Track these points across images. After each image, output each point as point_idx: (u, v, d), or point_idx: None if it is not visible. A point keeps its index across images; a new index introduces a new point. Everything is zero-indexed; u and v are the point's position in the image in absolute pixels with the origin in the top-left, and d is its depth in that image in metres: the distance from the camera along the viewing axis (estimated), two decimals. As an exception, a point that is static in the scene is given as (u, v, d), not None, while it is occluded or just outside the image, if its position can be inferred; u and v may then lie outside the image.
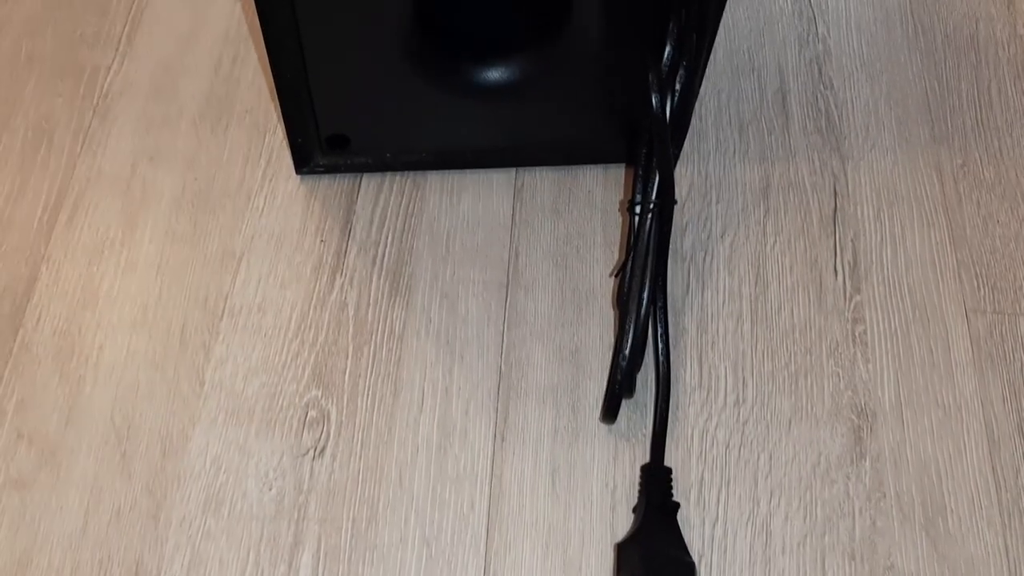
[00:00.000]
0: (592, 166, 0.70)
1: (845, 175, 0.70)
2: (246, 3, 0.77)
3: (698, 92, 0.60)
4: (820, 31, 0.78)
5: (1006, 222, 0.68)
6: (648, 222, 0.56)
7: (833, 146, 0.72)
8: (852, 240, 0.67)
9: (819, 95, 0.74)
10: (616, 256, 0.66)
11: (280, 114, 0.65)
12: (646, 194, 0.57)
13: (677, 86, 0.57)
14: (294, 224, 0.67)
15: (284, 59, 0.58)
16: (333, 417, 0.60)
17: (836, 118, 0.73)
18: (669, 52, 0.56)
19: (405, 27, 0.58)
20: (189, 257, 0.65)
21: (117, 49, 0.74)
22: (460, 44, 0.61)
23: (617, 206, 0.68)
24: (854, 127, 0.73)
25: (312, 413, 0.60)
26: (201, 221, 0.67)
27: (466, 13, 0.60)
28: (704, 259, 0.66)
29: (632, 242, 0.57)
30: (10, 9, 0.76)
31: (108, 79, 0.73)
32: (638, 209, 0.57)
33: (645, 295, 0.56)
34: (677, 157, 0.61)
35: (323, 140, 0.65)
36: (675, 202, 0.58)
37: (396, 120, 0.64)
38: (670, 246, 0.62)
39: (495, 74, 0.62)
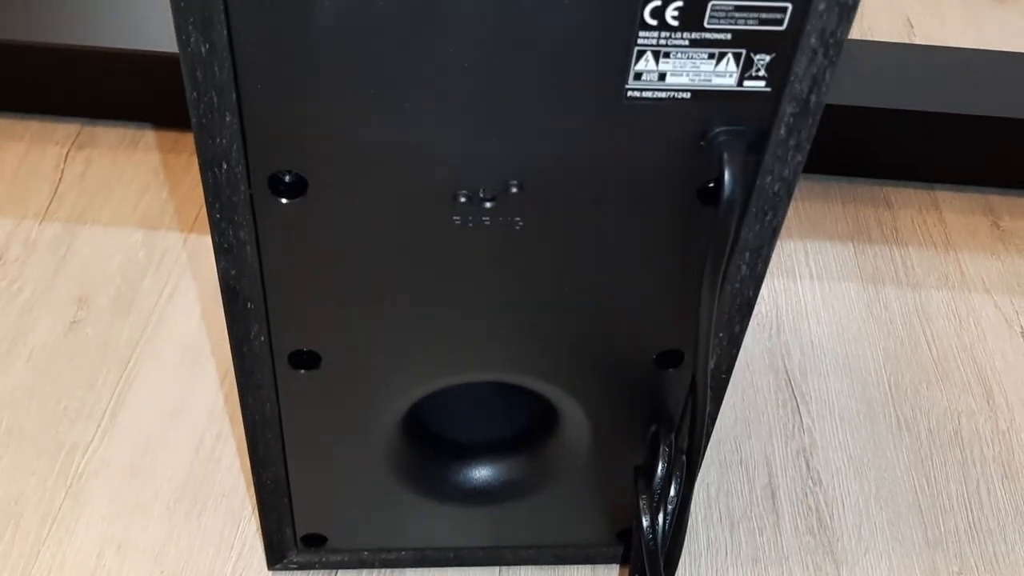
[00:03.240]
0: (580, 565, 0.67)
1: (841, 582, 0.68)
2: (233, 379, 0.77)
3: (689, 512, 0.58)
4: (805, 422, 0.78)
5: (1012, 640, 0.65)
6: (640, 658, 0.53)
7: (826, 548, 0.70)
8: (853, 659, 0.64)
9: (808, 491, 0.73)
10: (604, 673, 0.62)
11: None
12: (637, 625, 0.54)
13: (669, 507, 0.55)
14: (262, 627, 0.63)
15: (267, 469, 0.57)
16: None
17: (827, 517, 0.72)
18: (660, 474, 0.55)
19: (390, 436, 0.57)
20: (145, 665, 0.61)
21: (99, 425, 0.73)
22: (444, 452, 0.60)
23: (605, 611, 0.65)
24: (846, 528, 0.71)
25: None
26: (163, 622, 0.63)
27: (451, 422, 0.60)
28: None
29: None
30: (-3, 378, 0.76)
31: (86, 457, 0.71)
32: (629, 641, 0.54)
33: None
34: (669, 580, 0.58)
35: (299, 538, 0.63)
36: (668, 634, 0.55)
37: (376, 521, 0.63)
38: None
39: (479, 480, 0.61)
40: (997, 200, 1.01)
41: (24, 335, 0.79)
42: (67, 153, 0.96)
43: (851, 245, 0.95)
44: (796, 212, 0.98)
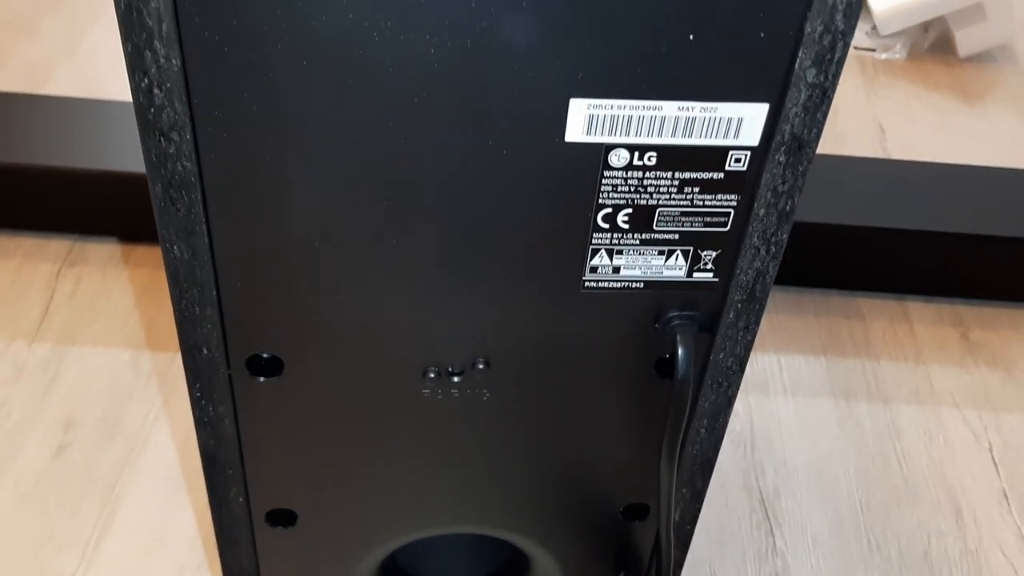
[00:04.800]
0: None
1: None
2: (218, 505, 0.78)
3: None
4: (778, 544, 0.80)
5: None
6: None
7: (798, 677, 0.71)
8: None
9: (781, 618, 0.74)
10: None
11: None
12: None
13: (636, 652, 0.57)
14: None
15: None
16: None
17: (799, 645, 0.73)
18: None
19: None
20: None
21: (84, 554, 0.75)
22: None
23: None
24: (818, 656, 0.72)
25: None
26: None
27: (426, 564, 0.62)
28: None
29: None
30: (-16, 505, 0.77)
31: (69, 589, 0.72)
32: None
33: None
34: None
35: (278, 676, 0.64)
36: None
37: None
38: None
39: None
40: (966, 311, 1.04)
41: (11, 460, 0.81)
42: (59, 270, 0.99)
43: (824, 358, 0.97)
44: (770, 325, 1.00)
